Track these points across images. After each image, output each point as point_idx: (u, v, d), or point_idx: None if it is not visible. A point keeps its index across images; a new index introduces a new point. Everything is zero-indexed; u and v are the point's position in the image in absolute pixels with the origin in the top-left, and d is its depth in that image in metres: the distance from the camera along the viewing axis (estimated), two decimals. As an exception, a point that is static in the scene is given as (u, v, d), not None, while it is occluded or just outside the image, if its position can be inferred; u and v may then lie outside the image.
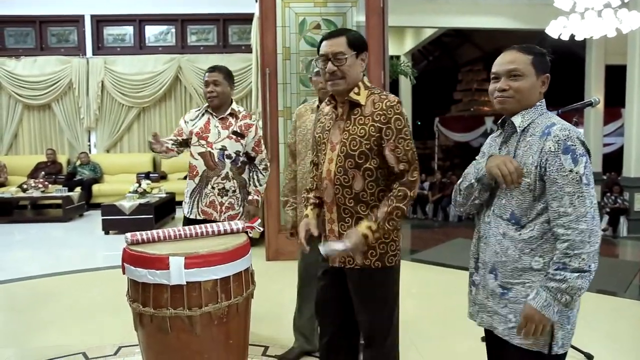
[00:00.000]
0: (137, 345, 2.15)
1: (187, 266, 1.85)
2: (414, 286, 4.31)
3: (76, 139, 9.48)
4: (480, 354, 2.89)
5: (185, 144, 2.98)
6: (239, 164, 2.93)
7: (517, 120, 1.57)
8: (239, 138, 2.91)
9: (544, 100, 1.60)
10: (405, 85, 10.82)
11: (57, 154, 9.27)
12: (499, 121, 1.67)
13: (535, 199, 1.50)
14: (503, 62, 1.58)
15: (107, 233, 6.61)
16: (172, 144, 2.95)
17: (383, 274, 1.91)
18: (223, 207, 2.89)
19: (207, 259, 1.89)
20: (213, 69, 2.96)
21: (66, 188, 8.02)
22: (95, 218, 7.38)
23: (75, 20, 9.37)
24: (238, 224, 2.20)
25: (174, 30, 9.48)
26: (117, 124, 9.47)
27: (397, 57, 9.81)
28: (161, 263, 1.85)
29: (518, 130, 1.56)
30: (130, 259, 1.95)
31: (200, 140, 2.90)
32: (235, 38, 9.46)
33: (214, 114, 2.96)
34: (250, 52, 7.68)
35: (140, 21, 9.40)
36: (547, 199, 1.47)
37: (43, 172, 8.68)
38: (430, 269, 4.97)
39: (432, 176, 10.25)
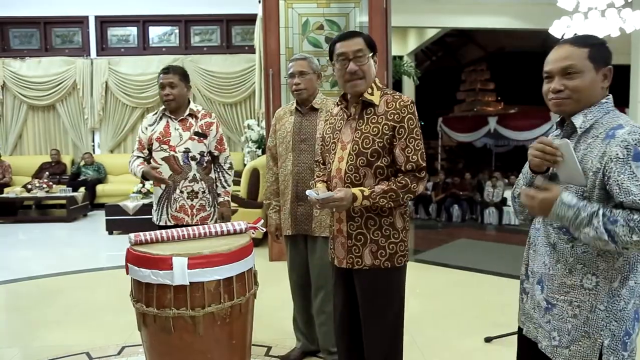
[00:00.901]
0: (140, 345, 2.16)
1: (190, 267, 1.86)
2: (417, 286, 4.30)
3: (80, 139, 9.52)
4: (482, 354, 2.90)
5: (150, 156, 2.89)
6: (205, 164, 2.87)
7: (578, 120, 1.40)
8: (202, 138, 2.85)
9: (610, 96, 1.42)
10: (409, 85, 10.81)
11: (61, 154, 9.32)
12: (558, 120, 1.52)
13: None
14: (556, 58, 1.41)
15: (110, 233, 6.64)
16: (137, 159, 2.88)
17: (391, 275, 1.91)
18: (194, 210, 2.83)
19: (210, 259, 1.90)
20: (167, 70, 2.84)
21: (70, 188, 8.07)
22: (99, 218, 7.41)
23: (80, 21, 9.40)
24: (241, 225, 2.21)
25: (177, 31, 9.51)
26: (121, 124, 9.50)
27: (400, 58, 9.80)
28: (164, 263, 1.86)
29: (578, 132, 1.40)
30: (134, 259, 1.96)
31: (162, 145, 2.81)
32: (239, 39, 9.48)
33: (172, 116, 2.86)
34: (254, 52, 7.71)
35: (144, 22, 9.43)
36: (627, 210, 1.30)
37: (47, 173, 8.73)
38: (433, 269, 4.96)
39: (435, 176, 10.21)
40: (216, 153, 2.93)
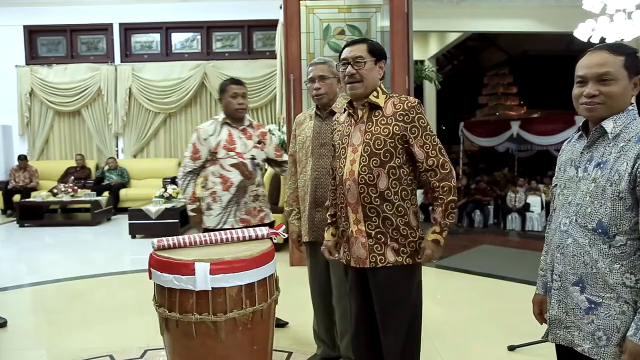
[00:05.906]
0: (162, 348, 2.18)
1: (212, 272, 1.87)
2: (439, 293, 4.26)
3: (104, 144, 9.70)
4: (506, 364, 2.85)
5: (202, 168, 3.05)
6: (261, 169, 3.12)
7: (608, 125, 1.43)
8: (263, 146, 3.09)
9: (635, 104, 1.46)
10: (430, 90, 10.75)
11: (86, 159, 9.50)
12: (581, 124, 1.55)
13: (628, 209, 1.37)
14: (591, 64, 1.44)
15: (133, 237, 6.73)
16: (192, 179, 3.09)
17: (410, 272, 1.95)
18: (256, 211, 3.05)
19: (232, 265, 1.91)
20: (240, 81, 3.06)
21: (94, 192, 8.21)
22: (122, 222, 7.53)
23: (104, 29, 9.60)
24: (263, 230, 2.22)
25: (199, 37, 9.63)
26: (144, 129, 9.65)
27: (422, 62, 9.76)
28: (187, 269, 1.87)
29: (610, 137, 1.43)
30: (157, 264, 1.98)
31: (229, 152, 2.96)
32: (260, 44, 9.56)
33: (234, 125, 3.02)
34: (275, 58, 7.75)
35: (166, 29, 9.59)
36: None
37: (72, 177, 8.92)
38: (455, 275, 4.90)
39: (457, 181, 10.13)
40: (279, 159, 3.18)
